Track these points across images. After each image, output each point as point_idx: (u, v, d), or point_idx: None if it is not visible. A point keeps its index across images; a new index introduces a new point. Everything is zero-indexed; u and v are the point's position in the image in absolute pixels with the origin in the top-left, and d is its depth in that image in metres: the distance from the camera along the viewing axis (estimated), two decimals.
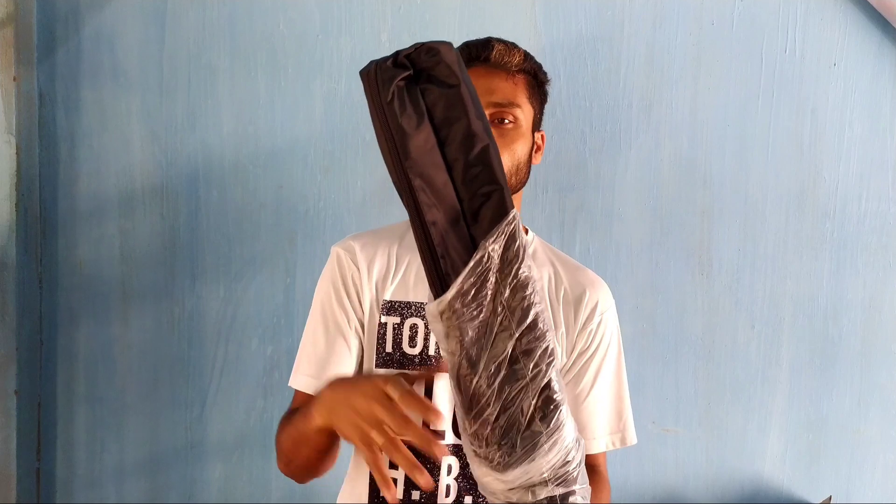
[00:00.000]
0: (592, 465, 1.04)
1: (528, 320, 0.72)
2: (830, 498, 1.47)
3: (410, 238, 1.08)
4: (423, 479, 0.73)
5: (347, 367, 1.02)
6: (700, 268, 1.48)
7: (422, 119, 0.68)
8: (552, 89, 1.08)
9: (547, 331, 0.73)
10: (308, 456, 0.95)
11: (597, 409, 1.05)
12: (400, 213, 1.23)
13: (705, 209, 1.48)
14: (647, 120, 1.47)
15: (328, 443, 0.91)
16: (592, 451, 1.04)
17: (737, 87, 1.46)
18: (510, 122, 1.01)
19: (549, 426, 0.71)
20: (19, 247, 1.51)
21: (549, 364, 0.72)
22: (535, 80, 1.06)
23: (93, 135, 1.53)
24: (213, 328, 1.54)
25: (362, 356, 1.05)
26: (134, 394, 1.56)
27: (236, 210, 1.52)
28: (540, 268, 1.08)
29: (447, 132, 0.69)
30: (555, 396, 0.72)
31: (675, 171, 1.47)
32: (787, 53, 1.45)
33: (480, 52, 1.02)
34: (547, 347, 0.73)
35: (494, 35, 1.08)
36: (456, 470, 1.02)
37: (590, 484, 0.83)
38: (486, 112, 0.98)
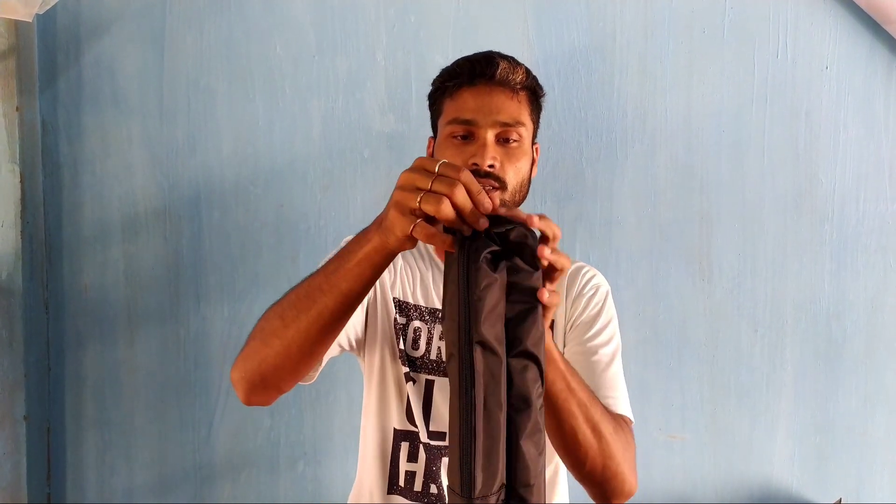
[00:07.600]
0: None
1: None
2: (841, 500, 1.46)
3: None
4: (486, 200, 0.66)
5: (346, 334, 1.00)
6: (700, 273, 1.49)
7: (501, 294, 0.64)
8: (547, 101, 1.09)
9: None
10: (320, 310, 0.78)
11: (617, 378, 1.02)
12: None
13: (703, 215, 1.48)
14: (642, 128, 1.48)
15: (369, 269, 0.75)
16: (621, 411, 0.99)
17: (730, 93, 1.47)
18: (515, 140, 1.00)
19: None
20: (25, 273, 1.52)
21: None
22: (535, 96, 1.06)
23: (95, 161, 1.55)
24: (219, 349, 1.55)
25: (364, 333, 1.04)
26: (142, 416, 1.57)
27: (238, 230, 1.54)
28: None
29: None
30: None
31: (672, 178, 1.48)
32: (779, 58, 1.46)
33: (485, 70, 1.00)
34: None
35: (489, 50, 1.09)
36: None
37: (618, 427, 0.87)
38: (493, 131, 0.98)
